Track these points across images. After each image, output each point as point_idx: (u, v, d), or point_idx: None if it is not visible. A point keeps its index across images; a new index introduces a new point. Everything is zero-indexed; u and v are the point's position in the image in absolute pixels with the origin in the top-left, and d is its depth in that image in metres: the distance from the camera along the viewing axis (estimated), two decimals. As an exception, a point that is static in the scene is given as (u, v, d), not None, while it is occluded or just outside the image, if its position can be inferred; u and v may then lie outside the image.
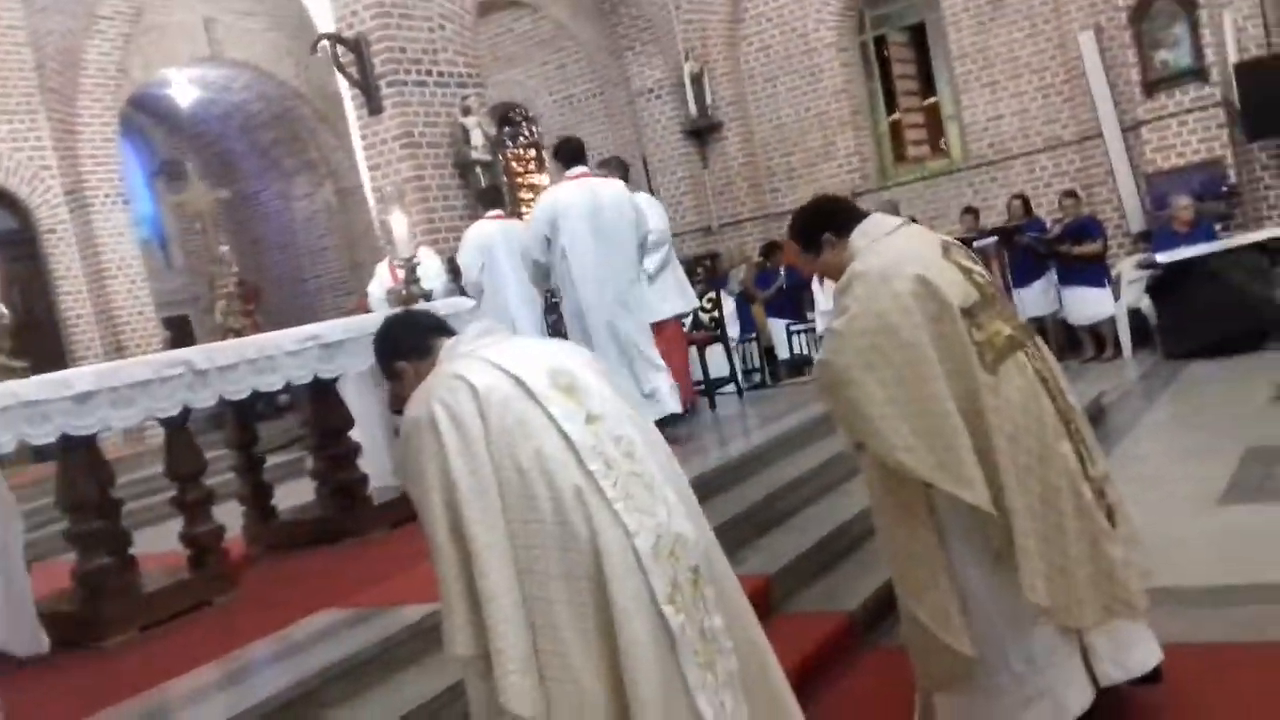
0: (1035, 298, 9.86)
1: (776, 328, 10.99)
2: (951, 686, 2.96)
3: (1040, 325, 9.76)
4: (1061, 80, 10.90)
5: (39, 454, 4.25)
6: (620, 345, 6.00)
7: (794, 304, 10.92)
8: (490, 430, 2.27)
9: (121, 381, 3.86)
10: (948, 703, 3.00)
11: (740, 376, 8.26)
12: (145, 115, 13.77)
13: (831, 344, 2.95)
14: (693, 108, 12.65)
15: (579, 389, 2.38)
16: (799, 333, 10.76)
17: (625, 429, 2.37)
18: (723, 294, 8.56)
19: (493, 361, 2.39)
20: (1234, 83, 9.49)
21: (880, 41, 12.50)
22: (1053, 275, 9.84)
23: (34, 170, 10.89)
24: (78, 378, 3.81)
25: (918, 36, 12.31)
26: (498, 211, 7.18)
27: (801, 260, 3.29)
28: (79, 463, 3.97)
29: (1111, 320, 9.74)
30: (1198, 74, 9.61)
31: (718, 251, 11.33)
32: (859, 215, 3.14)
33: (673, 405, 6.12)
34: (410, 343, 2.64)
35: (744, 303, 11.11)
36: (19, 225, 10.37)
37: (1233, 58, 9.60)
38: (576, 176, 6.16)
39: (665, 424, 5.94)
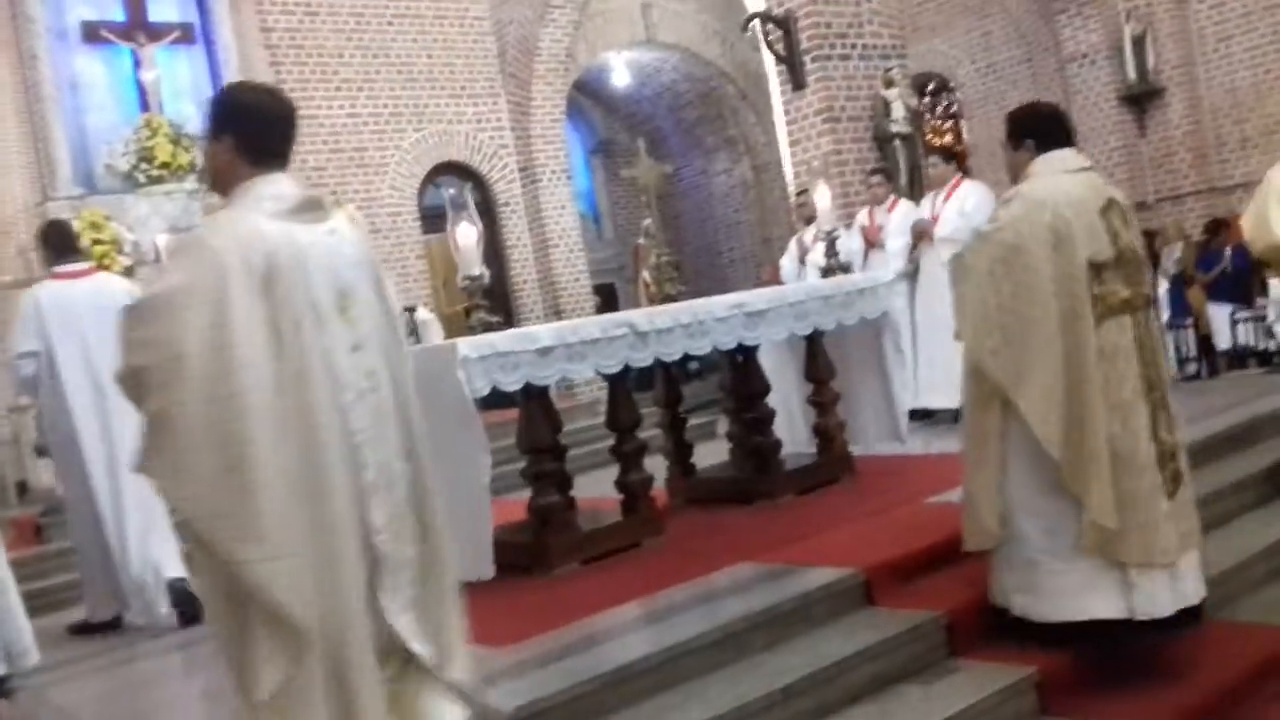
0: None
1: (1217, 314, 9.98)
2: (981, 548, 3.53)
3: None
4: None
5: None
6: None
7: (1240, 288, 9.86)
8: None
9: (576, 338, 4.31)
10: (994, 559, 3.56)
11: (1176, 366, 7.65)
12: (586, 97, 14.96)
13: (972, 244, 3.49)
14: (1131, 73, 11.75)
15: (354, 315, 2.47)
16: (1244, 320, 9.72)
17: (377, 360, 2.49)
18: (1157, 274, 7.95)
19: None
20: None
21: (1368, -9, 10.92)
22: None
23: (494, 149, 12.24)
24: (542, 333, 4.31)
25: None
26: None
27: (1004, 148, 3.70)
28: (537, 410, 4.48)
29: None
30: None
31: (1155, 229, 10.46)
32: (1064, 143, 3.52)
33: None
34: (278, 136, 2.51)
35: (1179, 285, 10.20)
36: (480, 199, 11.71)
37: None
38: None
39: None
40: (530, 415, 4.46)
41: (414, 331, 9.20)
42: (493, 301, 10.52)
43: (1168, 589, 3.34)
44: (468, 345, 4.15)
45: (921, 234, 6.81)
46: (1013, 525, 3.43)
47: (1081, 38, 12.14)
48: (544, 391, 4.50)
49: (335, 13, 11.51)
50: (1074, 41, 12.24)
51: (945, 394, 6.53)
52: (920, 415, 6.56)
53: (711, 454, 6.00)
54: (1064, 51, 12.36)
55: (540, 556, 4.46)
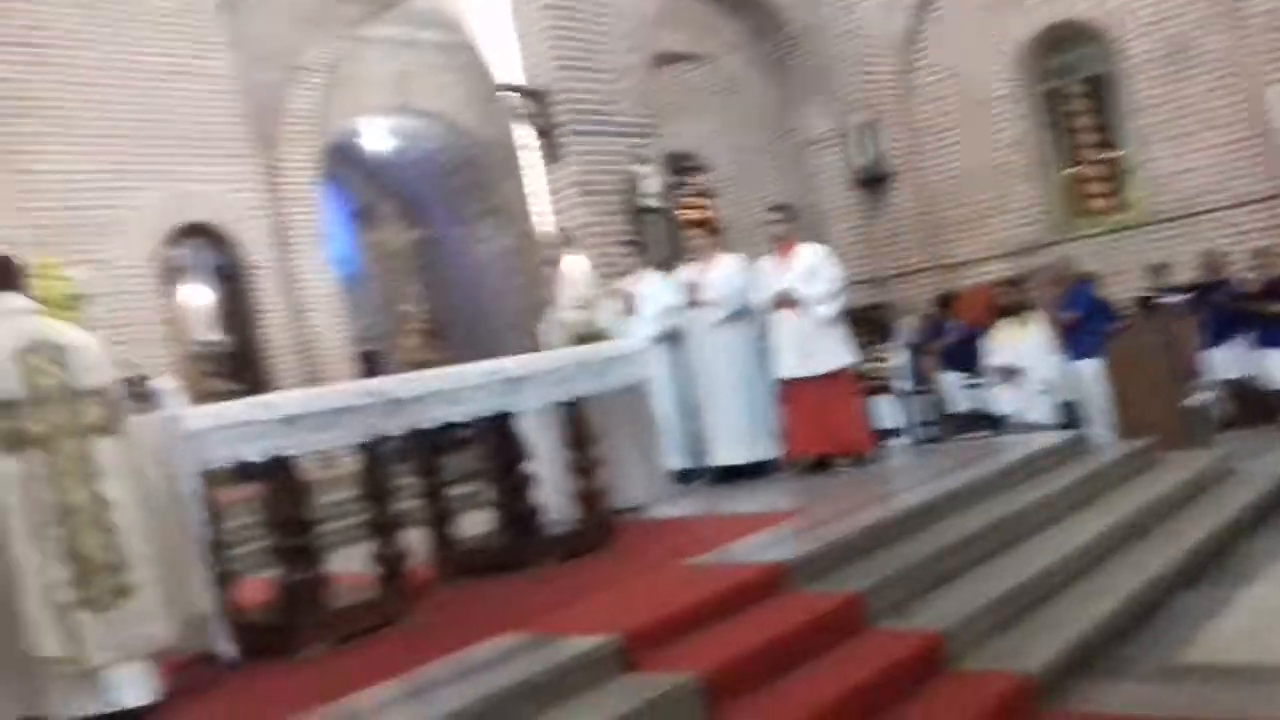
0: (1228, 360, 9.33)
1: (948, 381, 10.75)
2: None
3: (1235, 389, 9.29)
4: (1254, 134, 10.44)
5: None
6: None
7: (966, 357, 10.69)
8: None
9: (323, 407, 4.13)
10: None
11: (917, 430, 8.16)
12: (345, 162, 14.60)
13: None
14: (862, 158, 12.64)
15: None
16: (970, 386, 10.50)
17: None
18: (892, 346, 8.48)
19: None
20: None
21: (1057, 92, 12.28)
22: (1249, 336, 9.32)
23: (242, 211, 11.69)
24: (284, 401, 4.10)
25: (1099, 87, 12.02)
26: None
27: None
28: (283, 482, 4.25)
29: (1314, 386, 9.17)
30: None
31: (888, 302, 11.21)
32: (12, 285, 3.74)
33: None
34: None
35: (918, 355, 10.92)
36: (227, 261, 11.15)
37: None
38: None
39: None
40: (274, 488, 4.22)
41: (148, 399, 8.56)
42: (240, 367, 10.02)
43: (90, 693, 3.56)
44: (196, 415, 3.89)
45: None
46: None
47: (818, 124, 12.97)
48: (287, 462, 4.26)
49: (72, 64, 10.74)
50: (810, 127, 13.06)
51: (736, 449, 6.68)
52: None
53: (482, 523, 5.87)
54: (802, 136, 13.15)
55: (288, 638, 4.20)
